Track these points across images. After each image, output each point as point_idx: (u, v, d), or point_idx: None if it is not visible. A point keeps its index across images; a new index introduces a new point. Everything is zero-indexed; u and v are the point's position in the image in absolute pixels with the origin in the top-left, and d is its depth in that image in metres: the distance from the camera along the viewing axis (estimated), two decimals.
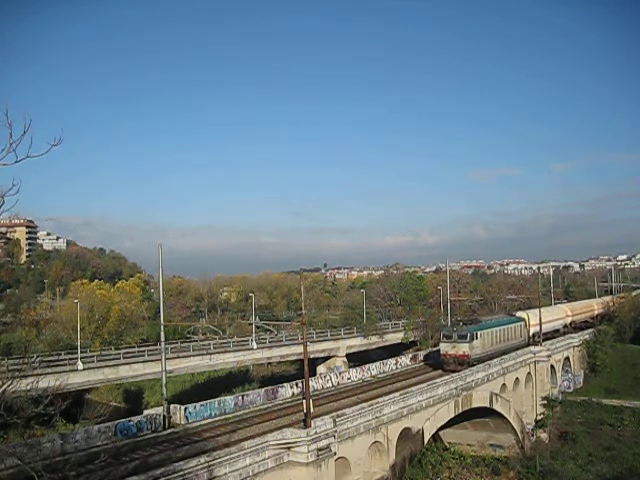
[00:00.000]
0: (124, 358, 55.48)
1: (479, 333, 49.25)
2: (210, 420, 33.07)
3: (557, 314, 69.67)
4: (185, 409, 32.38)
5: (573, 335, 68.71)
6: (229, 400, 35.68)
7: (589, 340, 70.95)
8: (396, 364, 53.38)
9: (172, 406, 32.18)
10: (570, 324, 73.67)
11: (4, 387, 14.13)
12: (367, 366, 49.84)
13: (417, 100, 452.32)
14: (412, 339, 76.06)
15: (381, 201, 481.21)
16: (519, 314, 62.59)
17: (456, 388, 41.01)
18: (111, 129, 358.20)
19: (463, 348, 47.63)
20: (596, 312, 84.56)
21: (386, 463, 33.33)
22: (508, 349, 53.52)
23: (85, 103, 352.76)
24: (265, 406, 37.28)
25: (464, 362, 47.00)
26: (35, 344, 69.18)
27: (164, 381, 34.55)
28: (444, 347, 48.88)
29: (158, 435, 29.36)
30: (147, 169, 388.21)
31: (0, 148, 11.40)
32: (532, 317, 60.90)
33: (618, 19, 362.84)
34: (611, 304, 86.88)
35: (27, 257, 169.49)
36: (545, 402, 52.15)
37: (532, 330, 60.51)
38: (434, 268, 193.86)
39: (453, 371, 44.86)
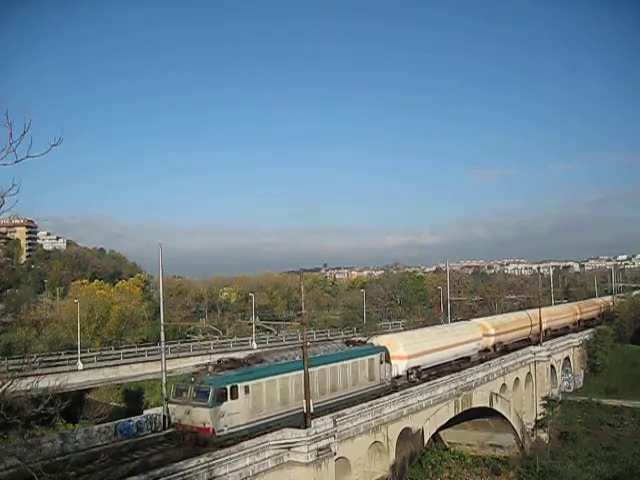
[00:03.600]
0: (124, 358, 55.65)
1: (243, 386, 26.98)
2: None
3: (468, 334, 50.59)
4: None
5: (573, 335, 68.65)
6: None
7: (589, 340, 70.93)
8: None
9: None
10: (493, 347, 55.14)
11: (4, 387, 14.18)
12: None
13: (417, 100, 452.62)
14: None
15: (381, 201, 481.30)
16: (379, 340, 40.41)
17: (456, 388, 40.95)
18: (111, 129, 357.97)
19: (202, 416, 25.85)
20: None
21: (386, 463, 33.31)
22: (335, 404, 31.94)
23: (85, 103, 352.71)
24: None
25: (203, 440, 25.62)
26: (35, 344, 69.23)
27: (164, 381, 34.47)
28: (175, 410, 27.76)
29: (158, 435, 29.31)
30: (147, 169, 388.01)
31: (0, 148, 11.44)
32: (401, 346, 39.76)
33: (618, 19, 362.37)
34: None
35: (27, 257, 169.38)
36: (545, 402, 52.06)
37: (401, 366, 39.42)
38: (434, 268, 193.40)
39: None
